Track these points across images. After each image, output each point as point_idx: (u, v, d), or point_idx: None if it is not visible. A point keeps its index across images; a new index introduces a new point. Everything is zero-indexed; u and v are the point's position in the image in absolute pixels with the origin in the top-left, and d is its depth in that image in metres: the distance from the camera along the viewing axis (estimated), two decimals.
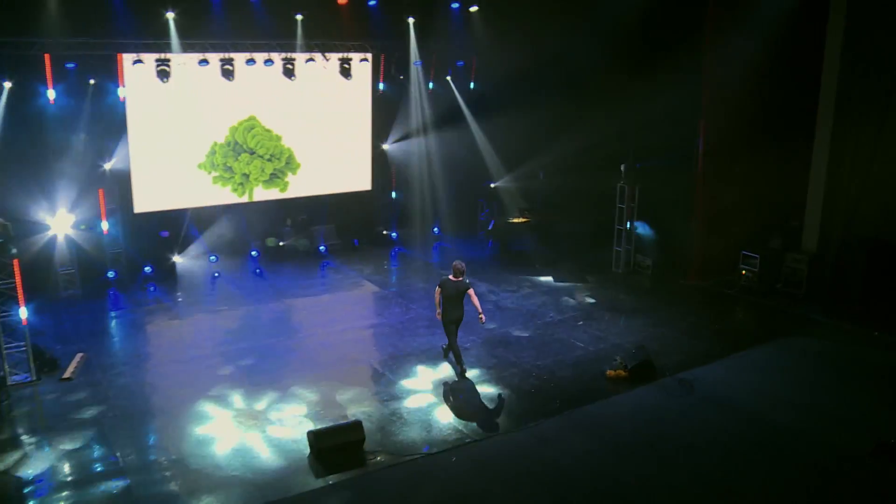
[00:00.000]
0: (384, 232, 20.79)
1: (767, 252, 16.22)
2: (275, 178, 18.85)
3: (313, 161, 19.33)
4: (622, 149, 17.58)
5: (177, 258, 17.88)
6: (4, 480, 9.04)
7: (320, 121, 19.18)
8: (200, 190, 17.91)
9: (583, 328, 14.21)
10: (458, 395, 11.47)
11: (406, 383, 11.87)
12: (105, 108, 16.27)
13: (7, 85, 14.76)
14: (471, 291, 11.93)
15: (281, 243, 19.28)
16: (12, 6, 14.01)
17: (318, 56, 18.15)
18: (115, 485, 8.88)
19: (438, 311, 12.07)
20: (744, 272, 16.37)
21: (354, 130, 19.94)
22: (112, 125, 16.41)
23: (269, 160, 18.56)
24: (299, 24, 17.21)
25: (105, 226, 16.53)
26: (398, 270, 18.69)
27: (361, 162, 20.34)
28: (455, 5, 18.38)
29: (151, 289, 16.66)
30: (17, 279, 11.68)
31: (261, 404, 11.06)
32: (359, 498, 8.77)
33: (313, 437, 9.66)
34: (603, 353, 12.88)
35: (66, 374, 12.03)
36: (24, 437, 10.09)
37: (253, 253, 18.67)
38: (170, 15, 15.58)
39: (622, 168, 17.41)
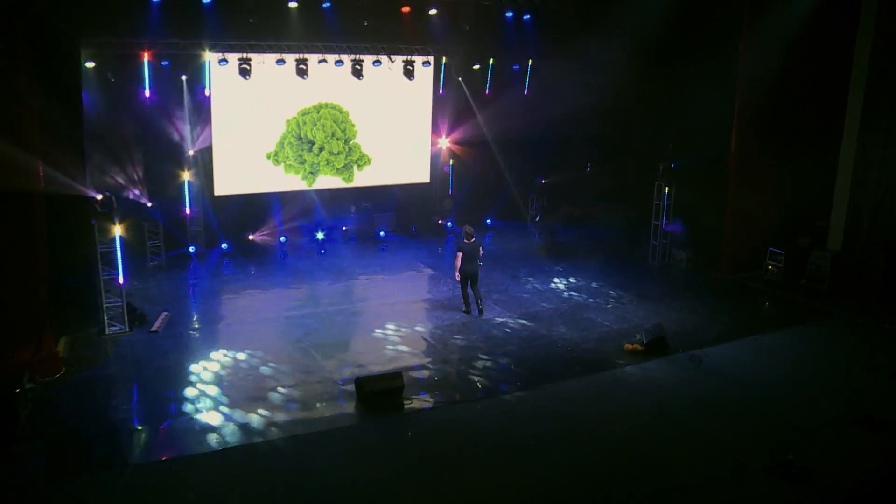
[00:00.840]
0: (440, 221, 22.44)
1: (792, 249, 17.27)
2: (345, 169, 20.73)
3: (376, 154, 21.12)
4: (660, 150, 18.85)
5: (251, 237, 19.91)
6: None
7: (384, 117, 20.91)
8: (273, 177, 19.87)
9: (611, 311, 15.57)
10: (488, 358, 12.98)
11: (445, 347, 13.50)
12: (193, 101, 18.38)
13: (112, 79, 16.93)
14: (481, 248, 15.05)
15: (344, 227, 21.16)
16: (115, 10, 15.85)
17: (383, 58, 19.90)
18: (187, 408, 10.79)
19: (457, 273, 14.75)
20: (770, 267, 17.42)
21: (415, 127, 21.65)
22: (198, 116, 18.52)
23: (336, 154, 20.40)
24: (366, 30, 18.93)
25: (188, 205, 18.69)
26: (450, 255, 20.35)
27: (421, 156, 22.05)
28: (509, 14, 19.89)
29: (227, 263, 18.68)
30: (118, 245, 13.71)
31: (319, 356, 12.83)
32: (394, 434, 10.41)
33: (360, 383, 11.32)
34: (625, 331, 14.21)
35: (154, 328, 14.00)
36: (121, 373, 12.13)
37: (319, 235, 20.56)
38: (252, 20, 17.50)
39: (659, 168, 18.67)
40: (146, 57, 17.18)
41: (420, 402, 11.28)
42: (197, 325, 14.46)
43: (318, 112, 19.95)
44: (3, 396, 9.92)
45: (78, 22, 13.54)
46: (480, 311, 14.97)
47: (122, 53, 16.98)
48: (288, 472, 9.26)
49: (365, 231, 21.41)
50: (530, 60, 21.88)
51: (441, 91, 21.61)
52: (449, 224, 22.41)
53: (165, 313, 14.72)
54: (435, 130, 21.99)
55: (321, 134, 20.05)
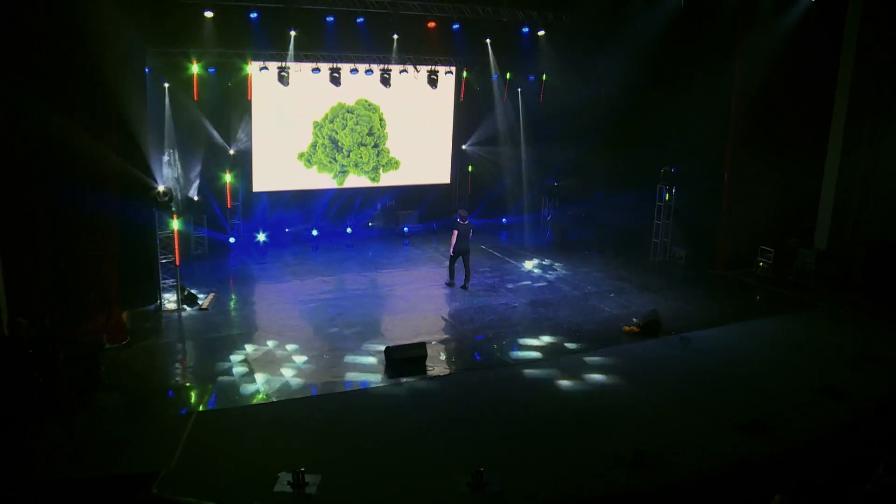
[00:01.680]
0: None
1: (781, 247, 18.81)
2: (373, 171, 22.58)
3: (401, 156, 22.95)
4: (662, 156, 20.45)
5: (287, 230, 21.70)
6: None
7: (409, 122, 22.77)
8: (306, 176, 21.73)
9: (613, 299, 17.18)
10: (500, 336, 14.62)
11: (462, 325, 15.20)
12: (235, 105, 20.24)
13: (166, 85, 18.78)
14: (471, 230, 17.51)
15: (370, 223, 22.92)
16: (168, 23, 17.61)
17: (409, 68, 21.66)
18: (237, 370, 12.54)
19: (452, 249, 17.27)
20: (761, 264, 18.96)
21: (438, 132, 23.53)
22: (240, 119, 20.37)
23: (366, 160, 22.28)
24: (395, 42, 20.68)
25: (228, 200, 20.52)
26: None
27: (443, 159, 23.89)
28: (525, 29, 21.61)
29: (264, 252, 20.49)
30: (174, 231, 15.52)
31: (352, 330, 14.58)
32: (418, 394, 12.11)
33: (389, 351, 13.05)
34: (625, 316, 15.77)
35: (204, 305, 15.78)
36: (177, 345, 13.95)
37: (347, 230, 22.30)
38: (292, 33, 19.30)
39: (660, 171, 20.26)
40: (195, 64, 19.03)
41: (441, 368, 13.00)
42: (241, 305, 16.28)
43: (353, 113, 21.85)
44: (88, 354, 11.68)
45: (146, 34, 15.40)
46: (465, 286, 17.33)
47: (174, 62, 18.82)
48: (325, 422, 10.89)
49: (390, 227, 23.20)
50: (544, 74, 23.55)
51: (461, 98, 23.36)
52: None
53: (213, 294, 16.50)
54: (456, 135, 23.76)
55: (351, 138, 21.87)
